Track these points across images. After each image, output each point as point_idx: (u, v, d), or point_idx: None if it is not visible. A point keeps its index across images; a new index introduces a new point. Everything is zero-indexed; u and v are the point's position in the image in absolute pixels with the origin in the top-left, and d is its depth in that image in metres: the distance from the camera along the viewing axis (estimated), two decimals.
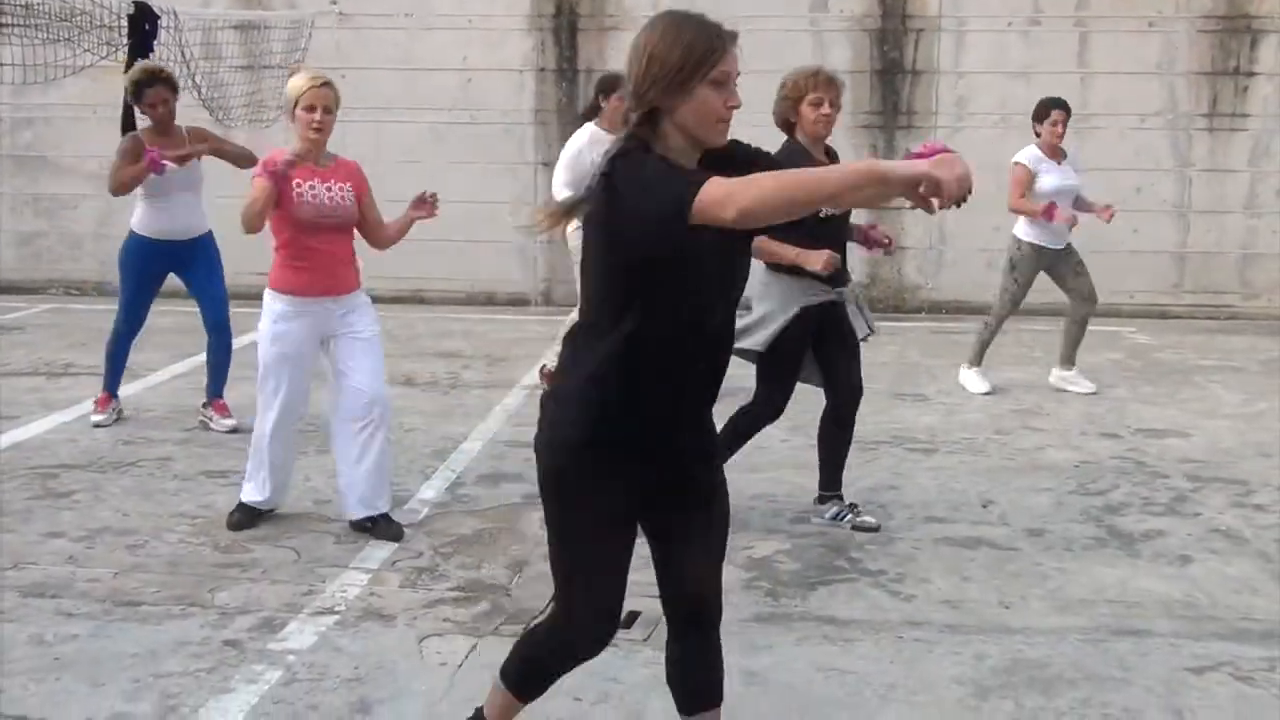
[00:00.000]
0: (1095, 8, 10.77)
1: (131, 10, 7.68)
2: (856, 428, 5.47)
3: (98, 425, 6.86)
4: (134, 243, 6.79)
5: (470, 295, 11.54)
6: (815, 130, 5.09)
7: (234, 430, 6.65)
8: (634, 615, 4.29)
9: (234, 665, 3.95)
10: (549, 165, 11.31)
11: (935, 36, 10.93)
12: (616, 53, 11.07)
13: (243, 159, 6.66)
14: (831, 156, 5.20)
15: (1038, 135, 7.80)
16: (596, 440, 2.78)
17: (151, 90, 6.55)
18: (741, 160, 2.81)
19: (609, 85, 7.00)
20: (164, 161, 6.33)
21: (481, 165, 11.30)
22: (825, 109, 5.05)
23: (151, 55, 7.55)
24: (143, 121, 6.83)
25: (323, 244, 5.04)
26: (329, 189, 5.06)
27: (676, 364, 2.78)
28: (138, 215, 6.76)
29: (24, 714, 3.60)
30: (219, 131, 7.49)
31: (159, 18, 7.82)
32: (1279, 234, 10.91)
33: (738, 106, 2.74)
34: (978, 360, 8.10)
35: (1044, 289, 8.12)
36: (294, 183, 4.98)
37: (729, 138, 2.80)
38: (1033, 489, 5.95)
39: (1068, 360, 8.08)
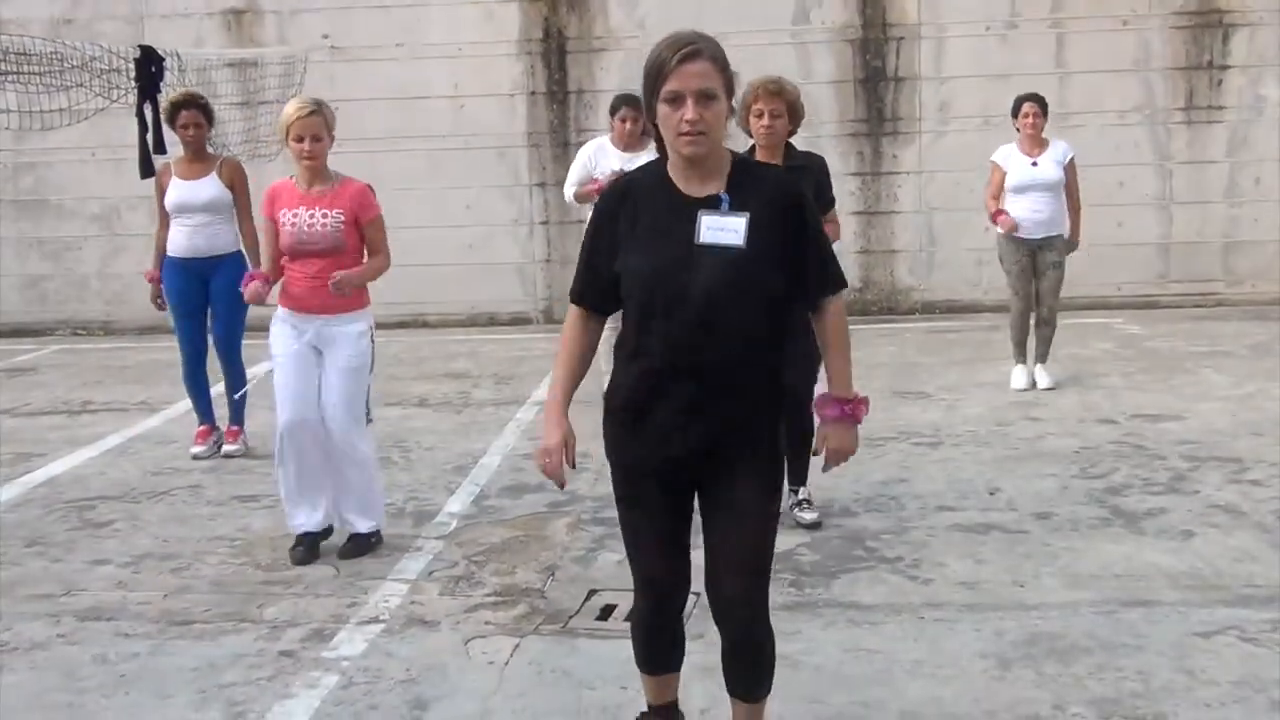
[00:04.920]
0: (1071, 9, 11.06)
1: (138, 54, 7.89)
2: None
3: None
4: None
5: (472, 316, 11.74)
6: (758, 139, 5.27)
7: (237, 455, 7.04)
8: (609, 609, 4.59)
9: (292, 673, 4.14)
10: (543, 186, 11.57)
11: (916, 43, 11.19)
12: (605, 74, 11.33)
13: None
14: (796, 166, 5.21)
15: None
16: None
17: (186, 112, 6.80)
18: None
19: (614, 106, 7.44)
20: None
21: (477, 189, 11.52)
22: (765, 120, 5.20)
23: (160, 96, 7.76)
24: (174, 151, 7.07)
25: (302, 268, 5.16)
26: (311, 216, 5.12)
27: None
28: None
29: None
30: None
31: (164, 60, 8.04)
32: (1260, 222, 11.19)
33: (693, 121, 2.82)
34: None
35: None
36: (280, 211, 5.16)
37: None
38: (1037, 475, 6.17)
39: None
